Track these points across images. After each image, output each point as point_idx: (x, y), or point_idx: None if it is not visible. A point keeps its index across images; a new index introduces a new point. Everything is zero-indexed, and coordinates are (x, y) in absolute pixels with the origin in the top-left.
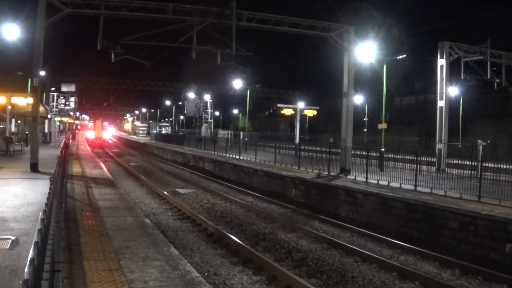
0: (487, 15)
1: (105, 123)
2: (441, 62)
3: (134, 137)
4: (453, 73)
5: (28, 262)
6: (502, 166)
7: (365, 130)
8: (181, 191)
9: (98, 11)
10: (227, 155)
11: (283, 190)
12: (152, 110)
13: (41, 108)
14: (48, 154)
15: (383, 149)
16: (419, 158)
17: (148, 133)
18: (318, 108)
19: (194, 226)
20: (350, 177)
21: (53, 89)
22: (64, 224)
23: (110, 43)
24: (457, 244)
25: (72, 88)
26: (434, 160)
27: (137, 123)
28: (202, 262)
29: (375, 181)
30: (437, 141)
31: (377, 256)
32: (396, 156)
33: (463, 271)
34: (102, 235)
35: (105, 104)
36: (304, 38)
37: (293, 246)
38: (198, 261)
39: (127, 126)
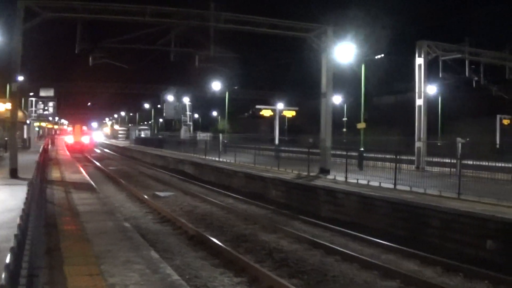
0: (466, 14)
1: (84, 128)
2: (419, 61)
3: (113, 141)
4: (432, 72)
5: (4, 268)
6: (481, 163)
7: (344, 130)
8: (161, 194)
9: (76, 14)
10: (207, 157)
11: (264, 191)
12: (131, 114)
13: (20, 114)
14: (27, 159)
15: (362, 149)
16: (398, 157)
17: (128, 137)
18: (297, 108)
19: (174, 229)
20: (330, 177)
21: (31, 94)
22: (44, 229)
23: (88, 46)
24: (438, 241)
25: (51, 93)
26: (414, 158)
27: (116, 126)
28: (183, 265)
29: (355, 181)
30: (416, 139)
31: (358, 255)
32: (376, 155)
33: (445, 269)
34: (83, 239)
35: (89, 104)
36: (283, 39)
37: (274, 247)
38: (179, 264)
39: (106, 130)
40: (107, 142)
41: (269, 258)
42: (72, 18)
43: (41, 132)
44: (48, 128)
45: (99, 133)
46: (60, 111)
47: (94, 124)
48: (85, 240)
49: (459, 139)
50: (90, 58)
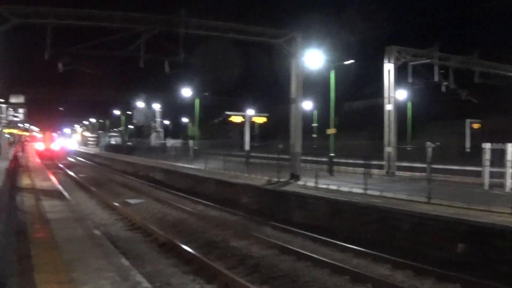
0: (435, 19)
1: (54, 134)
2: (389, 66)
3: (84, 148)
4: (401, 77)
5: None
6: (451, 167)
7: (314, 135)
8: (132, 201)
9: (46, 20)
10: (177, 164)
11: (234, 197)
12: (101, 120)
13: None
14: None
15: (333, 154)
16: (368, 162)
17: (98, 144)
18: (267, 115)
19: (145, 236)
20: (300, 182)
21: (2, 101)
22: (15, 237)
23: (58, 52)
24: (409, 245)
25: (21, 99)
26: (384, 163)
27: (86, 133)
28: (153, 272)
29: (325, 186)
30: (385, 144)
31: (329, 260)
32: (346, 161)
33: (416, 272)
34: (53, 247)
35: (60, 108)
36: (253, 45)
37: (246, 253)
38: (150, 271)
39: (77, 137)
40: (77, 149)
41: (241, 265)
42: (42, 24)
43: (11, 139)
44: (19, 135)
45: (73, 140)
46: (31, 118)
47: (67, 131)
48: (55, 247)
49: (428, 143)
50: (60, 64)
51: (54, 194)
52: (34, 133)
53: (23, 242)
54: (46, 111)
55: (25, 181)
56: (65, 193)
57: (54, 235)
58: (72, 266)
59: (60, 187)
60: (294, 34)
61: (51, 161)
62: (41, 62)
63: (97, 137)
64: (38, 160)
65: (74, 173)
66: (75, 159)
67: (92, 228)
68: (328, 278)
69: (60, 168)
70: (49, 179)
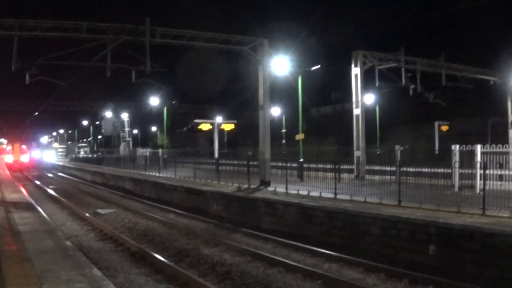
0: (401, 22)
1: (23, 146)
2: (356, 71)
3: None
4: (368, 81)
5: None
6: (420, 169)
7: (283, 141)
8: (102, 211)
9: (12, 32)
10: (147, 173)
11: (205, 205)
12: (70, 131)
13: None
14: None
15: (302, 159)
16: (338, 166)
17: (67, 155)
18: (235, 121)
19: (116, 246)
20: (270, 188)
21: None
22: None
23: (25, 64)
24: (380, 249)
25: None
26: (353, 167)
27: (55, 145)
28: (126, 281)
29: (295, 192)
30: (354, 148)
31: (301, 266)
32: (316, 166)
33: (388, 275)
34: (24, 259)
35: (35, 116)
36: (220, 53)
37: (217, 260)
38: (122, 281)
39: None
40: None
41: (212, 272)
42: (7, 36)
43: None
44: None
45: (51, 152)
46: None
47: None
48: (26, 260)
49: (397, 146)
50: (27, 76)
51: (24, 206)
52: (3, 146)
53: None
54: (14, 123)
55: None
56: (36, 205)
57: (25, 247)
58: (44, 278)
59: (30, 198)
60: (260, 40)
61: (20, 173)
62: (8, 73)
63: (66, 148)
64: (7, 173)
65: (44, 184)
66: (44, 170)
67: (63, 239)
68: (301, 283)
69: (30, 180)
70: (19, 191)
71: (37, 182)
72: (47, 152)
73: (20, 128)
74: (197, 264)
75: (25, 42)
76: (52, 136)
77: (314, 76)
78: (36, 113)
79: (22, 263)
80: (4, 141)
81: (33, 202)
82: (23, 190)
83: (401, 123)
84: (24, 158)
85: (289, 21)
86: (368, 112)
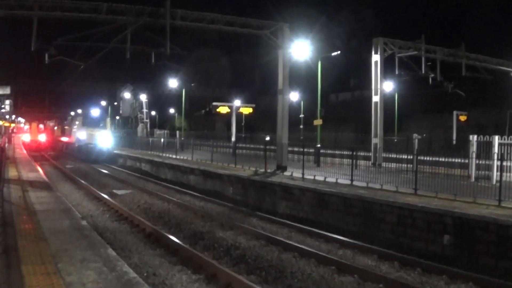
0: (422, 11)
1: (41, 126)
2: (376, 58)
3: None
4: (388, 69)
5: None
6: (438, 159)
7: (301, 126)
8: (118, 192)
9: (31, 12)
10: (164, 155)
11: (221, 188)
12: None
13: None
14: None
15: (319, 145)
16: (355, 153)
17: None
18: (254, 105)
19: (132, 227)
20: (287, 173)
21: None
22: (1, 229)
23: (44, 44)
24: (395, 237)
25: (7, 90)
26: (370, 154)
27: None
28: (140, 263)
29: (312, 177)
30: (372, 135)
31: (316, 251)
32: (333, 152)
33: (402, 264)
34: (40, 238)
35: (53, 96)
36: (240, 36)
37: (232, 244)
38: (137, 262)
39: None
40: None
41: (227, 255)
42: (27, 16)
43: None
44: (5, 127)
45: (82, 133)
46: (17, 109)
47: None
48: (42, 239)
49: (415, 135)
50: (46, 56)
51: (40, 185)
52: (21, 125)
53: (10, 234)
54: (33, 103)
55: (12, 173)
56: (52, 184)
57: (41, 227)
58: (59, 257)
59: (46, 178)
60: (281, 24)
61: (37, 152)
62: (28, 53)
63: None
64: (24, 152)
65: (61, 164)
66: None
67: (79, 219)
68: (315, 269)
69: (47, 159)
70: (36, 171)
71: (54, 162)
72: (99, 133)
73: (38, 107)
74: (212, 247)
75: (45, 23)
76: (70, 116)
77: (333, 62)
78: (53, 93)
79: (38, 242)
80: (22, 120)
81: (50, 182)
82: (39, 169)
83: (419, 112)
84: (42, 138)
85: (309, 6)
86: (386, 100)
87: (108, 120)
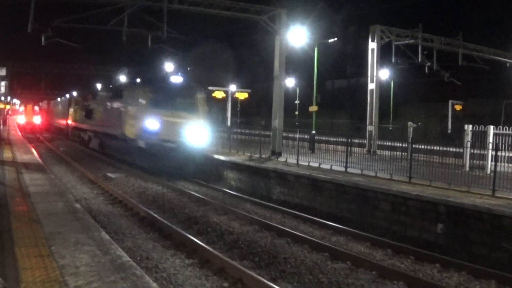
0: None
1: (36, 108)
2: (372, 45)
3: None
4: (384, 57)
5: None
6: (432, 147)
7: (296, 113)
8: (112, 175)
9: None
10: None
11: (215, 173)
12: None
13: None
14: None
15: (314, 132)
16: (350, 140)
17: None
18: (249, 91)
19: (126, 210)
20: (281, 159)
21: None
22: None
23: (41, 25)
24: (389, 225)
25: (3, 72)
26: (365, 142)
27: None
28: (134, 246)
29: (306, 163)
30: (368, 123)
31: (309, 237)
32: (328, 139)
33: (395, 251)
34: (33, 221)
35: (49, 78)
36: (237, 21)
37: (225, 229)
38: (130, 245)
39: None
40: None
41: (221, 240)
42: None
43: None
44: (0, 109)
45: (152, 121)
46: (13, 91)
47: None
48: (35, 221)
49: (410, 123)
50: (43, 37)
51: (35, 167)
52: (16, 107)
53: (4, 216)
54: (29, 84)
55: (6, 155)
56: (46, 167)
57: (34, 209)
58: (52, 239)
59: (41, 160)
60: (278, 10)
61: (32, 134)
62: (24, 35)
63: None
64: (19, 134)
65: (55, 146)
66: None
67: (73, 202)
68: (308, 255)
69: (41, 141)
70: (30, 152)
71: (48, 144)
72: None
73: (34, 89)
74: (205, 232)
75: (42, 4)
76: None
77: (330, 48)
78: (49, 75)
79: (31, 224)
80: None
81: (44, 164)
82: (34, 151)
83: (415, 101)
84: (37, 120)
85: None
86: (383, 88)
87: (203, 97)
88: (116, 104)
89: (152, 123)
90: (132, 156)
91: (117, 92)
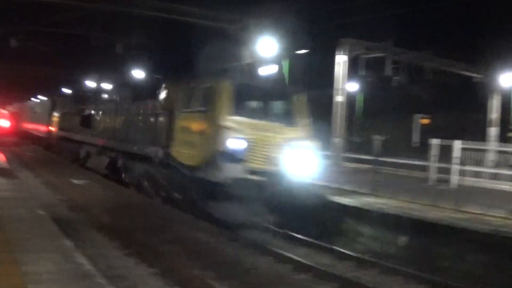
0: (390, 13)
1: (4, 111)
2: (342, 58)
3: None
4: (353, 69)
5: None
6: (398, 161)
7: None
8: (76, 181)
9: None
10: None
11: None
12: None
13: None
14: None
15: None
16: None
17: None
18: None
19: (89, 217)
20: None
21: None
22: None
23: (11, 28)
24: (352, 237)
25: None
26: (331, 154)
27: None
28: (96, 254)
29: None
30: (333, 135)
31: (273, 249)
32: None
33: (358, 264)
34: None
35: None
36: (206, 30)
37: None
38: (93, 253)
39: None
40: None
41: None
42: None
43: None
44: None
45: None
46: None
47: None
48: None
49: (376, 136)
50: (12, 41)
51: (1, 171)
52: None
53: None
54: None
55: None
56: (12, 171)
57: None
58: (15, 246)
59: (7, 164)
60: (247, 20)
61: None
62: None
63: None
64: None
65: (22, 151)
66: (23, 137)
67: (37, 208)
68: (272, 266)
69: (8, 145)
70: None
71: (15, 148)
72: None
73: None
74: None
75: (11, 7)
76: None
77: (299, 60)
78: (19, 78)
79: None
80: None
81: (11, 168)
82: (0, 155)
83: (382, 113)
84: (4, 123)
85: (277, 3)
86: (350, 101)
87: (303, 100)
88: (150, 107)
89: (236, 143)
90: (186, 194)
91: (151, 87)
